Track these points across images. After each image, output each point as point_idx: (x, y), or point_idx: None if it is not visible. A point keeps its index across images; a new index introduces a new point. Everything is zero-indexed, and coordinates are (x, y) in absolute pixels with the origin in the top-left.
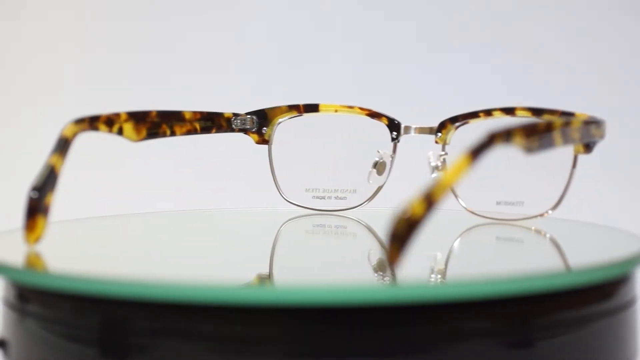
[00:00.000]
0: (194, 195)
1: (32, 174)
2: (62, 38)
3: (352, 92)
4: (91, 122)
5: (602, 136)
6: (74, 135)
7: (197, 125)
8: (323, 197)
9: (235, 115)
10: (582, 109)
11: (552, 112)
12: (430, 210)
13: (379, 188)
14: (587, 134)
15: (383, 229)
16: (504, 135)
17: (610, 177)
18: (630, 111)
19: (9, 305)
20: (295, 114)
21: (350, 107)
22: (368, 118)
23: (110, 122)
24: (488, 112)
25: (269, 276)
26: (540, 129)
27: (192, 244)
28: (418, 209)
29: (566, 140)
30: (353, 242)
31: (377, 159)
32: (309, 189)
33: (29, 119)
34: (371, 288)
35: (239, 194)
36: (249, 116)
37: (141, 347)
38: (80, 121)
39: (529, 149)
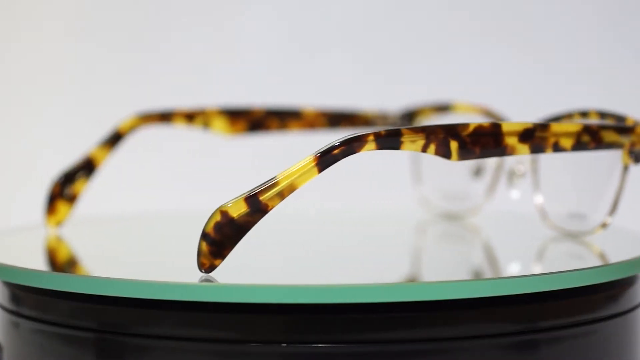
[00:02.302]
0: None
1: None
2: (58, 37)
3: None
4: (163, 116)
5: (634, 143)
6: (131, 129)
7: (326, 121)
8: (449, 199)
9: (382, 112)
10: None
11: (614, 116)
12: (254, 212)
13: (490, 192)
14: (595, 141)
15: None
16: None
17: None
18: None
19: (2, 307)
20: (437, 112)
21: (476, 107)
22: (485, 117)
23: (191, 116)
24: (570, 116)
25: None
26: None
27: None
28: (235, 208)
29: (538, 148)
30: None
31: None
32: (438, 189)
33: (24, 118)
34: (372, 288)
35: None
36: (394, 114)
37: (138, 349)
38: (144, 115)
39: (446, 156)
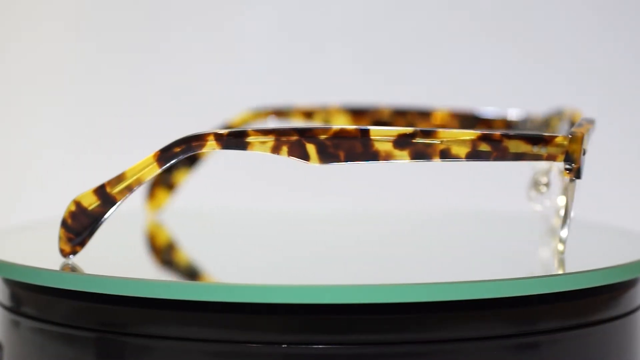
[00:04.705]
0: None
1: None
2: (58, 37)
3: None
4: (279, 112)
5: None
6: (242, 124)
7: (458, 123)
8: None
9: (524, 116)
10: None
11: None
12: (105, 204)
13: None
14: (498, 150)
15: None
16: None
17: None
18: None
19: (2, 306)
20: (559, 118)
21: (577, 113)
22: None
23: (310, 113)
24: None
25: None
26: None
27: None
28: (86, 200)
29: (421, 155)
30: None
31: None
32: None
33: (23, 118)
34: (373, 288)
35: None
36: (536, 119)
37: (138, 349)
38: (258, 110)
39: (304, 159)
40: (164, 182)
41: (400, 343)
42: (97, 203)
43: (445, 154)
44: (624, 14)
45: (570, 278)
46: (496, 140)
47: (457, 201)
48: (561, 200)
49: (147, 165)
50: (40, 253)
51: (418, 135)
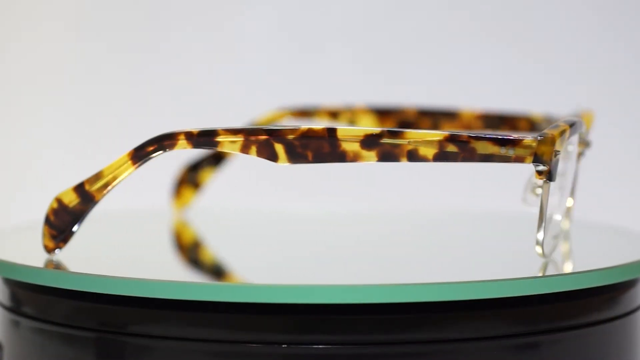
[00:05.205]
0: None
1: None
2: (58, 37)
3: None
4: (305, 112)
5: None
6: (269, 124)
7: (483, 123)
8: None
9: (548, 116)
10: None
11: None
12: (84, 201)
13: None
14: (466, 151)
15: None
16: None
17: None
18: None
19: (2, 306)
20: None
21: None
22: None
23: (335, 113)
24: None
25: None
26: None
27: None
28: (67, 197)
29: (389, 156)
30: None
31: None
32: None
33: (23, 118)
34: (373, 288)
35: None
36: (562, 119)
37: (138, 349)
38: (284, 109)
39: (272, 159)
40: (190, 181)
41: (400, 343)
42: (77, 200)
43: (413, 155)
44: (624, 14)
45: (570, 278)
46: (463, 141)
47: (457, 201)
48: (561, 201)
49: (123, 164)
50: (40, 253)
51: (385, 135)
